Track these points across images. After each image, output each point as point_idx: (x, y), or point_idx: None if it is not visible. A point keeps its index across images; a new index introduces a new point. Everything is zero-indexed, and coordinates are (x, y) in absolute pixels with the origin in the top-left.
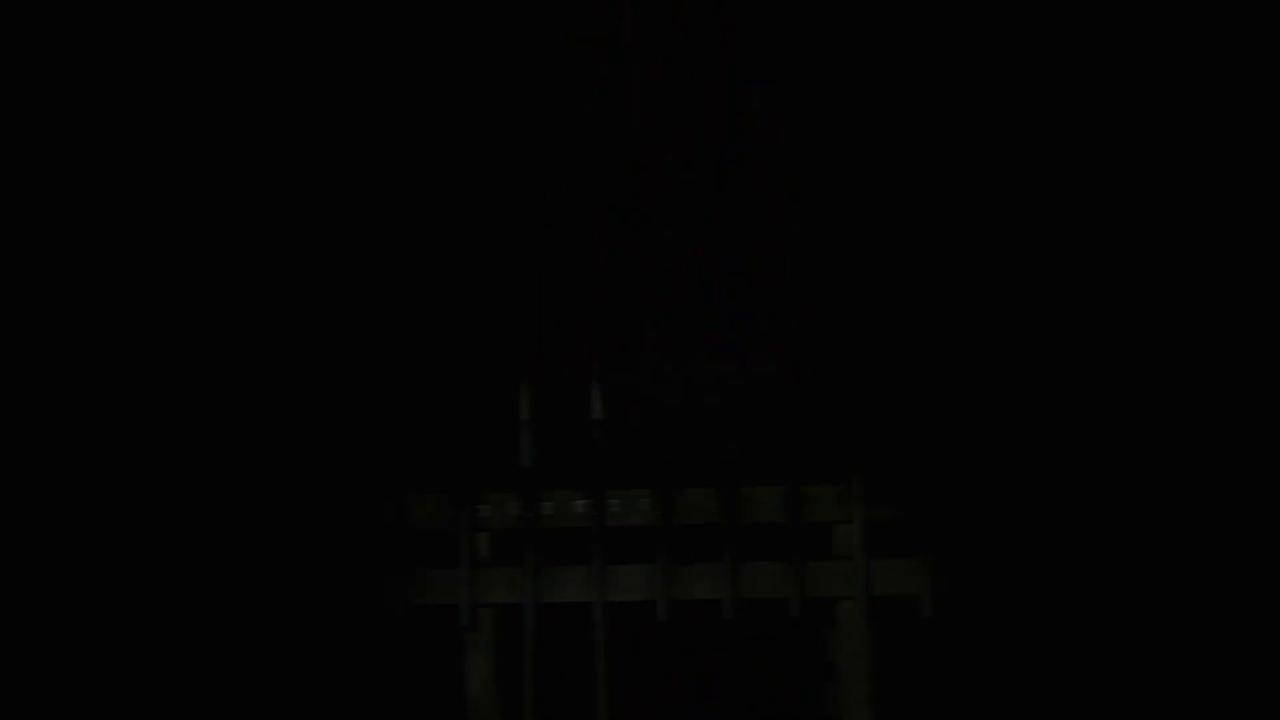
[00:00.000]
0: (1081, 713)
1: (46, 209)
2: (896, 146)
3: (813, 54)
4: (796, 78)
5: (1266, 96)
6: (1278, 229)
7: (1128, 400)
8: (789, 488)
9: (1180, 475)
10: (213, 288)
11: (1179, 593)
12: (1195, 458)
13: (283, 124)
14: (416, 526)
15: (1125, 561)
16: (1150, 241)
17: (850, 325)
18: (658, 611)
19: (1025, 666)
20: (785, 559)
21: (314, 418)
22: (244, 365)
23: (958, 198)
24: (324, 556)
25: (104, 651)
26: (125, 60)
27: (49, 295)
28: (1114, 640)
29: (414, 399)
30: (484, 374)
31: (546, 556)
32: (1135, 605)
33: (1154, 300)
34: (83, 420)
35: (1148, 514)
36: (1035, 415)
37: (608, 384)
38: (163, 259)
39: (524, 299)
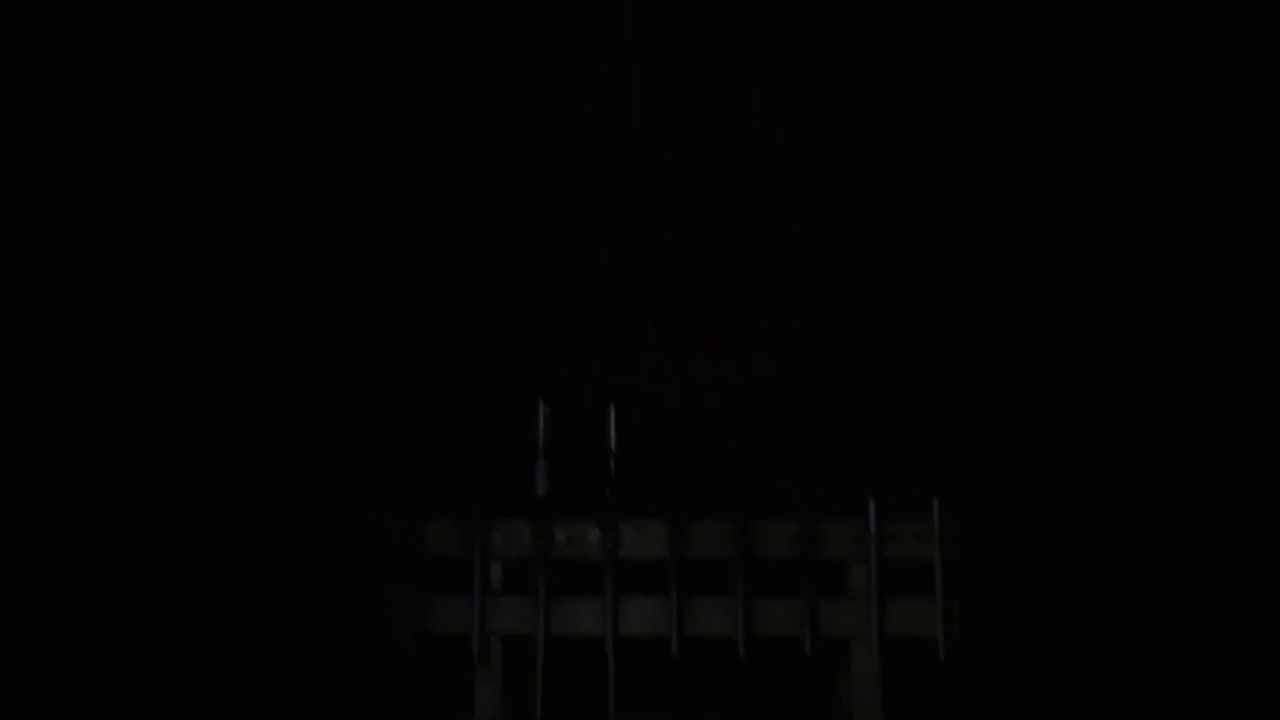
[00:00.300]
0: None
1: (47, 210)
2: (897, 146)
3: (813, 54)
4: (796, 78)
5: (1266, 97)
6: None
7: (1157, 425)
8: (803, 524)
9: (1215, 508)
10: (220, 298)
11: (1213, 634)
12: (1231, 488)
13: (281, 126)
14: (427, 552)
15: (1153, 602)
16: (1156, 244)
17: (850, 326)
18: (671, 647)
19: (1044, 712)
20: (798, 596)
21: (323, 437)
22: (251, 381)
23: (959, 197)
24: (331, 580)
25: (97, 670)
26: (125, 60)
27: (49, 298)
28: (1139, 684)
29: (426, 418)
30: (497, 393)
31: (558, 586)
32: (1162, 646)
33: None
34: (86, 430)
35: (1178, 548)
36: (1055, 438)
37: (607, 385)
38: (167, 265)
39: (535, 310)
